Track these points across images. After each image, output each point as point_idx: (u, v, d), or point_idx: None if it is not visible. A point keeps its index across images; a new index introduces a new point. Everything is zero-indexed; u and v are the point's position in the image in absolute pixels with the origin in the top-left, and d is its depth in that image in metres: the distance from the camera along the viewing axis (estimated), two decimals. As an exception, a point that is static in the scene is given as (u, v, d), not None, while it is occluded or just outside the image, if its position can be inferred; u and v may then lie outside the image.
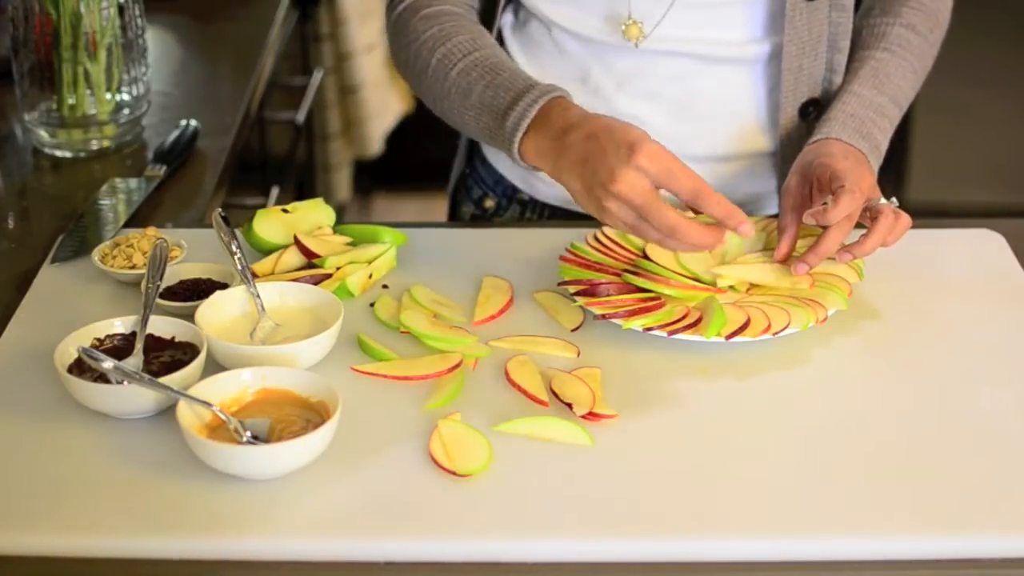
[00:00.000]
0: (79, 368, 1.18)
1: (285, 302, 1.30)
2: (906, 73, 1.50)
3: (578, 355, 1.28)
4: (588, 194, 1.26)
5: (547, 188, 1.63)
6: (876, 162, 1.43)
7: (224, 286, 1.33)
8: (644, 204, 1.23)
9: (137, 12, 1.74)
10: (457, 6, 1.49)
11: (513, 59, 1.59)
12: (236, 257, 1.32)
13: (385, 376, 1.24)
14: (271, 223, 1.42)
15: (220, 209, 1.38)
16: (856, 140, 1.41)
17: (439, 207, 2.01)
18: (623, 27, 1.48)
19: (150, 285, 1.27)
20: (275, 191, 2.25)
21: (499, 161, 1.67)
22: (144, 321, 1.23)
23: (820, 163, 1.36)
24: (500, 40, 1.61)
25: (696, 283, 1.35)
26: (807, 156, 1.40)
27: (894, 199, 1.35)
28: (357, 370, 1.24)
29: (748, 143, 1.55)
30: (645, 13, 1.48)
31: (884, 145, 1.45)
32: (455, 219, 1.75)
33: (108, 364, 1.14)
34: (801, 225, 1.39)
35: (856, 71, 1.49)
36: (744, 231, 1.24)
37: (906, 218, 1.33)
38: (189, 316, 1.25)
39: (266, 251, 1.41)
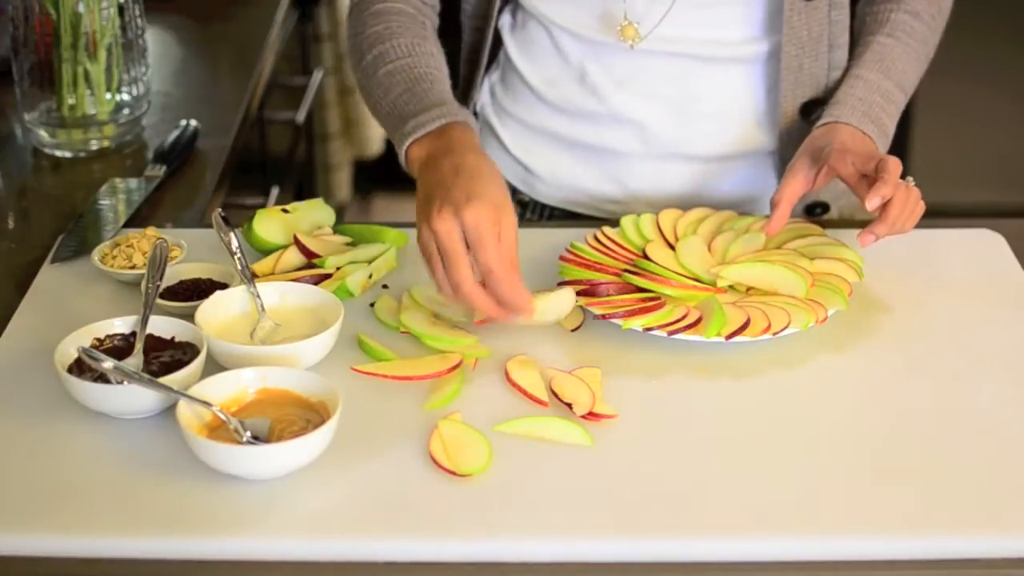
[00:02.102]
0: (79, 368, 1.18)
1: (285, 302, 1.30)
2: (910, 59, 1.49)
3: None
4: (419, 212, 1.28)
5: (547, 189, 1.63)
6: (884, 146, 1.43)
7: (224, 286, 1.33)
8: (445, 251, 1.23)
9: (137, 12, 1.74)
10: (410, 5, 1.50)
11: (512, 62, 1.59)
12: (236, 257, 1.32)
13: (385, 376, 1.24)
14: (271, 223, 1.42)
15: (220, 209, 1.38)
16: (865, 124, 1.41)
17: (439, 207, 2.00)
18: (619, 28, 1.48)
19: (150, 285, 1.27)
20: (275, 191, 2.25)
21: (498, 162, 1.66)
22: (144, 321, 1.23)
23: (834, 151, 1.35)
24: (497, 41, 1.61)
25: (696, 283, 1.35)
26: (818, 141, 1.39)
27: (910, 177, 1.34)
28: (357, 370, 1.24)
29: (747, 142, 1.55)
30: (641, 14, 1.47)
31: (891, 129, 1.45)
32: (455, 219, 1.75)
33: (108, 364, 1.14)
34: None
35: (861, 56, 1.48)
36: (519, 318, 1.25)
37: (921, 203, 1.33)
38: (189, 316, 1.25)
39: (266, 251, 1.41)
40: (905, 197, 1.30)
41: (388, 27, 1.46)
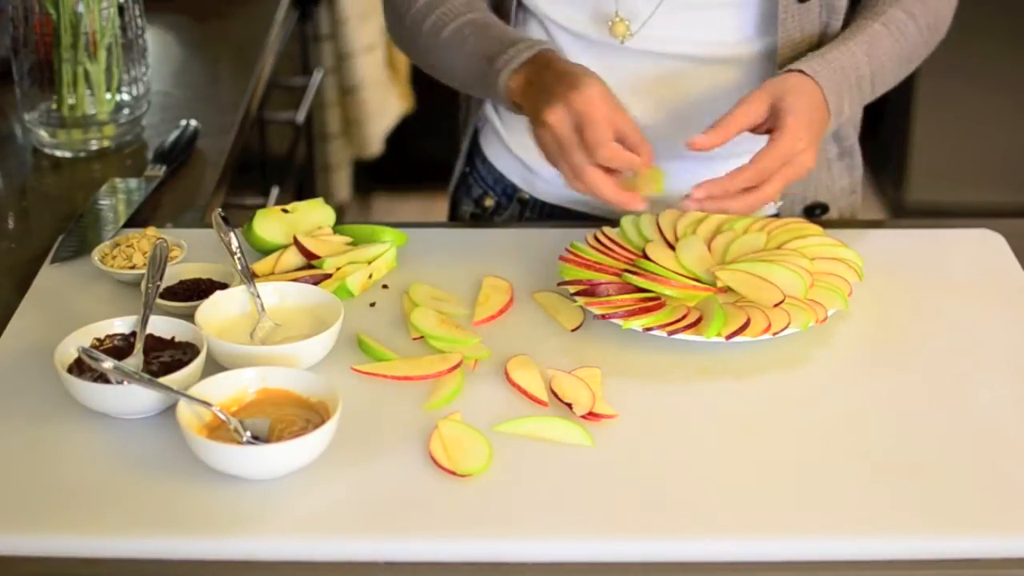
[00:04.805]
0: (79, 368, 1.18)
1: (285, 302, 1.30)
2: (894, 54, 1.47)
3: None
4: (533, 122, 1.33)
5: (547, 187, 1.63)
6: (831, 126, 1.40)
7: (224, 286, 1.33)
8: (560, 140, 1.30)
9: (137, 12, 1.74)
10: None
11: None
12: (236, 257, 1.32)
13: (385, 376, 1.24)
14: (271, 223, 1.42)
15: (220, 209, 1.38)
16: (830, 93, 1.38)
17: (439, 207, 2.01)
18: (610, 24, 1.48)
19: (150, 285, 1.27)
20: (275, 191, 2.25)
21: (499, 160, 1.67)
22: (144, 321, 1.23)
23: (787, 108, 1.34)
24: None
25: (696, 283, 1.35)
26: (785, 84, 1.36)
27: (780, 201, 1.34)
28: (357, 370, 1.24)
29: (742, 141, 1.55)
30: (632, 12, 1.48)
31: (845, 115, 1.43)
32: (455, 219, 1.75)
33: (108, 364, 1.14)
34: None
35: (853, 33, 1.45)
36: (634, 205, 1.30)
37: (759, 195, 1.32)
38: (189, 316, 1.25)
39: (266, 251, 1.41)
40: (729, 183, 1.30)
41: None
